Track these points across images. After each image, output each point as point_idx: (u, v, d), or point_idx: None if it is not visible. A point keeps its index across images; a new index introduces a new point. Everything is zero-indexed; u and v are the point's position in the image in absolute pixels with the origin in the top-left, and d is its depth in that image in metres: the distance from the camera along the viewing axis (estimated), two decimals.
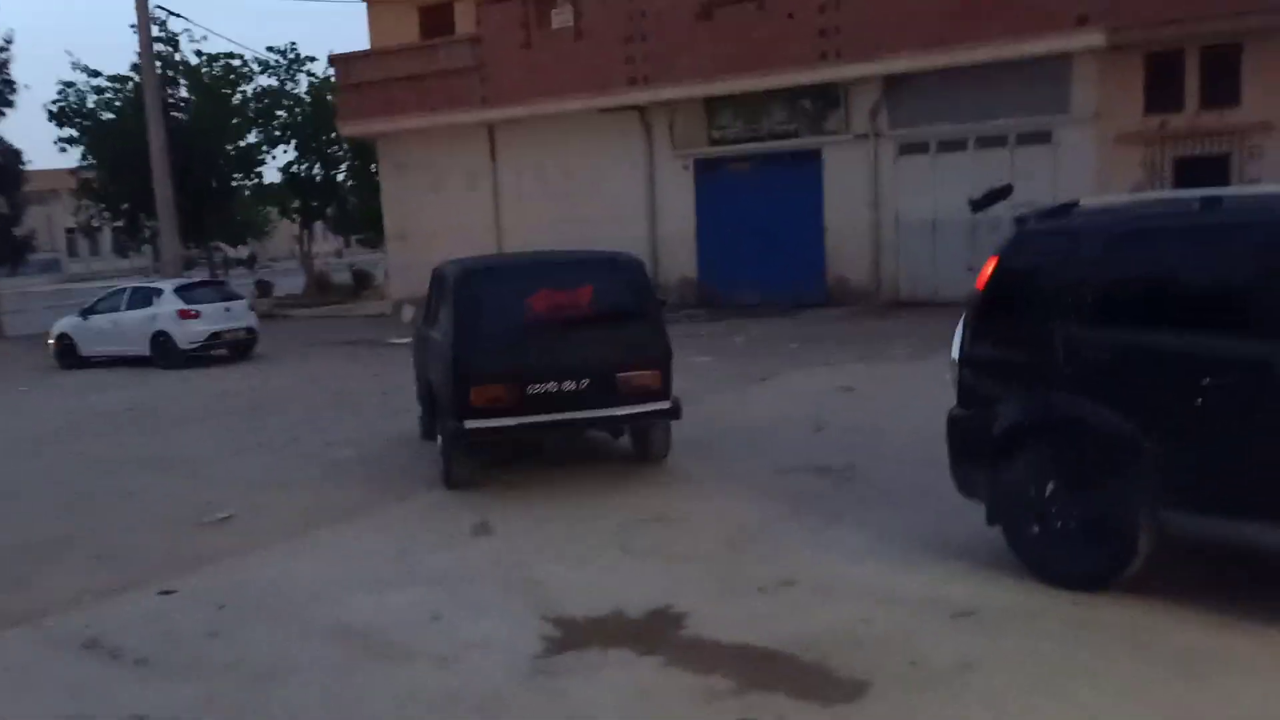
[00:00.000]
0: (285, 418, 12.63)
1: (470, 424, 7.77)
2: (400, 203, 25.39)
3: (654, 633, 5.19)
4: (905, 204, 19.22)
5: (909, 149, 19.23)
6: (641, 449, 8.73)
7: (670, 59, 20.42)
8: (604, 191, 22.10)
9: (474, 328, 7.91)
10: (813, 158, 20.04)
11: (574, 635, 5.23)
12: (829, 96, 19.64)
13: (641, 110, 21.47)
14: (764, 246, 20.46)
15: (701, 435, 9.61)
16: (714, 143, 21.14)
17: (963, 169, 18.32)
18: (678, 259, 21.63)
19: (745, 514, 7.11)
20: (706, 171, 21.33)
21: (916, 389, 11.07)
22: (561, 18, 21.93)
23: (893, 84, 18.99)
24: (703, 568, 6.09)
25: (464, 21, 23.45)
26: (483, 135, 23.63)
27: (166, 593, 6.14)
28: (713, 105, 20.85)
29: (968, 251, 18.43)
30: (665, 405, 8.19)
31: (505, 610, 5.63)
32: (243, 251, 60.68)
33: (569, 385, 7.81)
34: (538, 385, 7.76)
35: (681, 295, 21.54)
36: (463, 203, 24.05)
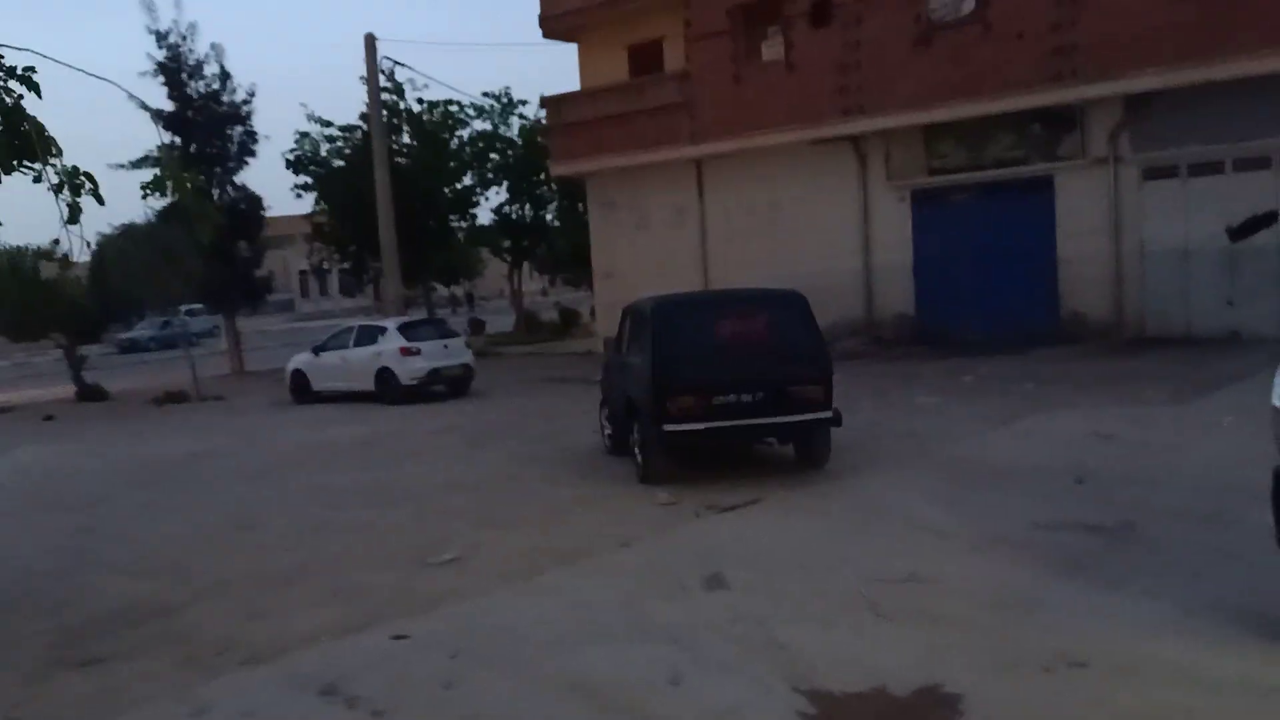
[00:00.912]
0: (501, 453, 12.69)
1: (667, 428, 9.33)
2: (607, 241, 25.65)
3: (926, 715, 4.59)
4: (1151, 232, 17.67)
5: (1155, 173, 17.69)
6: (805, 455, 10.02)
7: (886, 87, 19.71)
8: (815, 225, 21.53)
9: (670, 349, 9.53)
10: (1044, 185, 18.78)
11: (833, 712, 4.70)
12: (1062, 119, 18.38)
13: (855, 140, 20.82)
14: (988, 280, 19.33)
15: (944, 483, 8.90)
16: (933, 172, 20.20)
17: (1219, 194, 16.66)
18: (893, 293, 20.76)
19: (1009, 575, 6.39)
20: (925, 202, 20.40)
21: (1188, 437, 9.96)
22: (772, 50, 21.63)
23: (1136, 103, 17.57)
24: (970, 638, 5.43)
25: (673, 59, 23.50)
26: (690, 171, 23.56)
27: (400, 637, 6.02)
28: (932, 133, 19.94)
29: (1225, 283, 16.78)
30: (828, 414, 9.56)
31: (751, 676, 5.16)
32: (456, 290, 63.54)
33: (747, 396, 9.34)
34: (722, 396, 9.31)
35: (897, 331, 20.65)
36: (669, 239, 24.03)
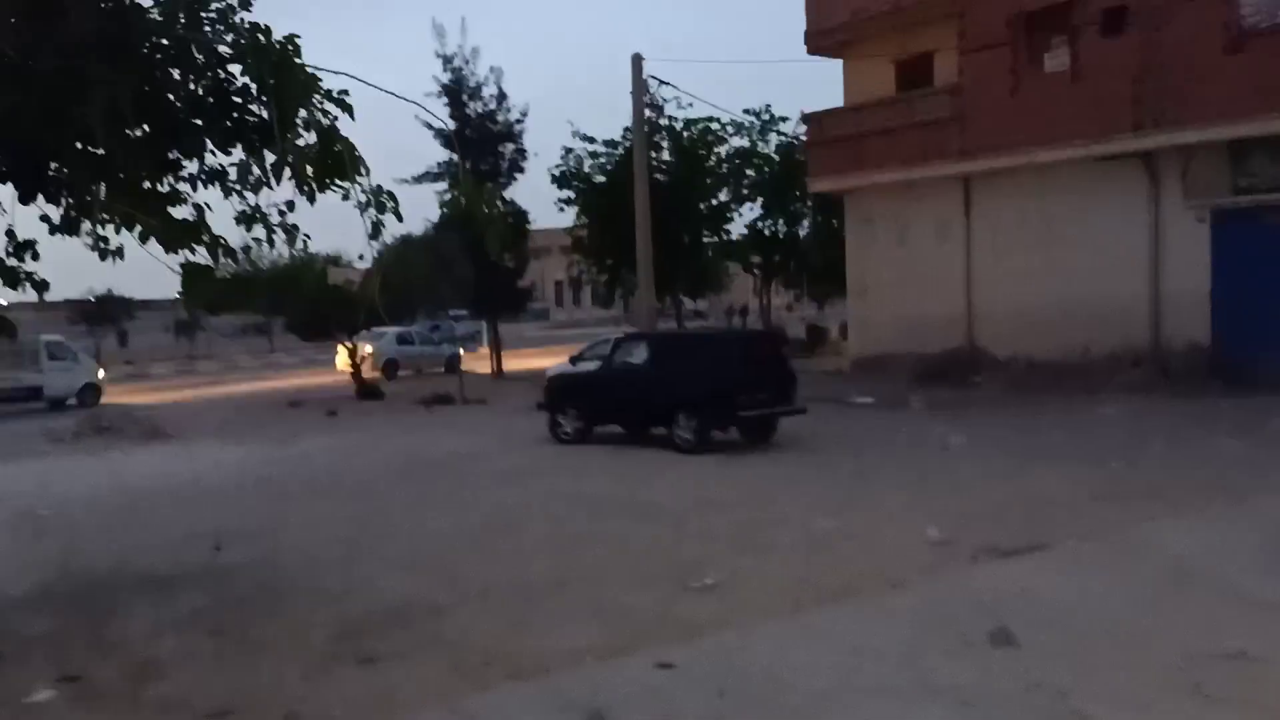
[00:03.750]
0: (755, 472, 12.48)
1: (742, 414, 14.34)
2: (864, 257, 24.89)
3: None
4: None
5: None
6: (764, 436, 14.88)
7: (1187, 98, 17.92)
8: (1094, 245, 19.93)
9: (740, 365, 14.58)
10: None
11: None
12: None
13: (1146, 156, 19.09)
14: None
15: (1267, 546, 7.78)
16: (1239, 191, 18.16)
17: None
18: (1184, 322, 18.83)
19: None
20: (1228, 223, 18.37)
21: None
22: (1056, 61, 20.21)
23: None
24: None
25: (943, 72, 22.48)
26: (957, 187, 22.45)
27: (665, 666, 5.80)
28: (1239, 148, 17.93)
29: None
30: (803, 408, 15.14)
31: None
32: (700, 304, 63.86)
33: (768, 395, 14.57)
34: (761, 394, 14.46)
35: (1188, 363, 18.69)
36: (931, 257, 23.00)
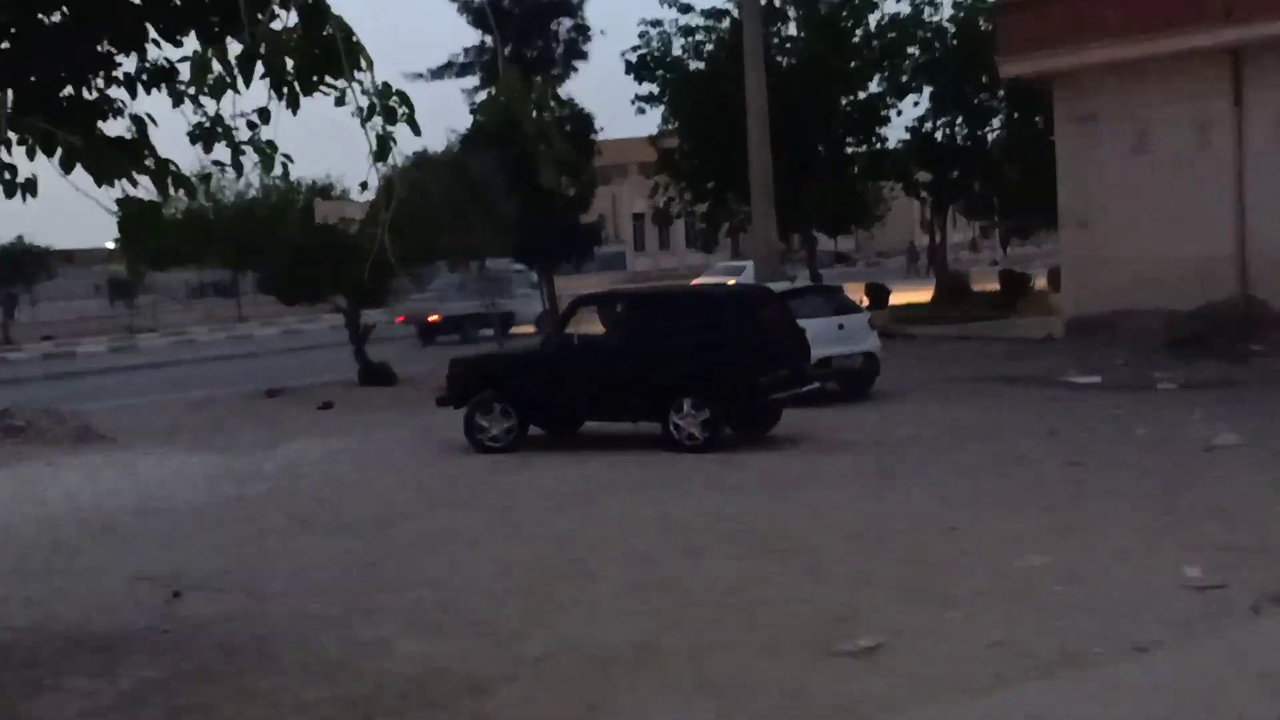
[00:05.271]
0: (927, 489, 12.39)
1: (773, 396, 15.43)
2: (1083, 174, 24.56)
3: None
4: None
5: None
6: (768, 428, 15.98)
7: None
8: None
9: (755, 335, 15.63)
10: None
11: None
12: None
13: None
14: None
15: None
16: None
17: None
18: None
19: None
20: None
21: None
22: None
23: None
24: None
25: None
26: (1222, 67, 22.08)
27: None
28: None
29: None
30: (818, 385, 16.55)
31: None
32: (843, 243, 63.45)
33: (790, 372, 15.64)
34: (780, 371, 15.48)
35: None
36: (1184, 170, 22.67)
